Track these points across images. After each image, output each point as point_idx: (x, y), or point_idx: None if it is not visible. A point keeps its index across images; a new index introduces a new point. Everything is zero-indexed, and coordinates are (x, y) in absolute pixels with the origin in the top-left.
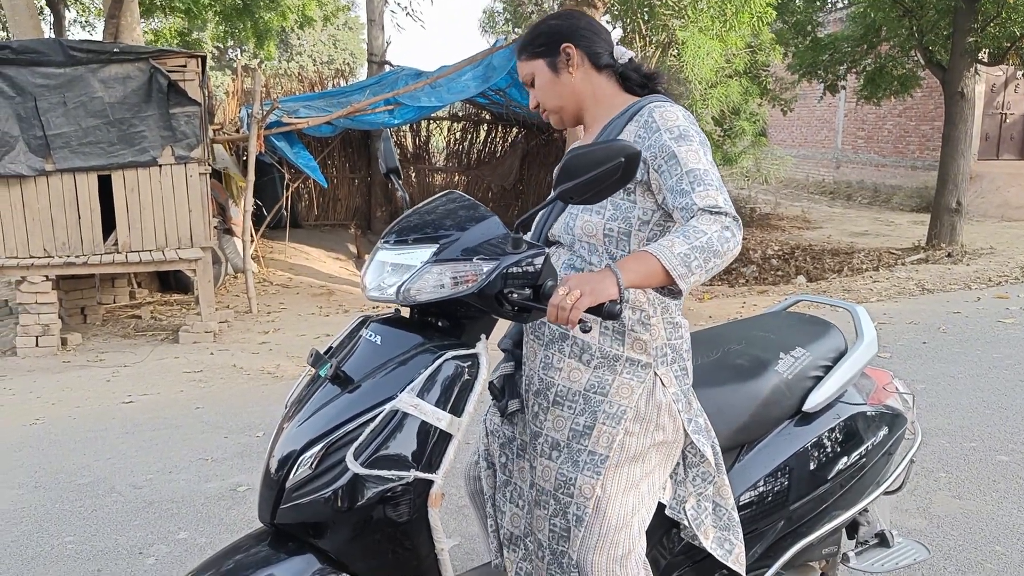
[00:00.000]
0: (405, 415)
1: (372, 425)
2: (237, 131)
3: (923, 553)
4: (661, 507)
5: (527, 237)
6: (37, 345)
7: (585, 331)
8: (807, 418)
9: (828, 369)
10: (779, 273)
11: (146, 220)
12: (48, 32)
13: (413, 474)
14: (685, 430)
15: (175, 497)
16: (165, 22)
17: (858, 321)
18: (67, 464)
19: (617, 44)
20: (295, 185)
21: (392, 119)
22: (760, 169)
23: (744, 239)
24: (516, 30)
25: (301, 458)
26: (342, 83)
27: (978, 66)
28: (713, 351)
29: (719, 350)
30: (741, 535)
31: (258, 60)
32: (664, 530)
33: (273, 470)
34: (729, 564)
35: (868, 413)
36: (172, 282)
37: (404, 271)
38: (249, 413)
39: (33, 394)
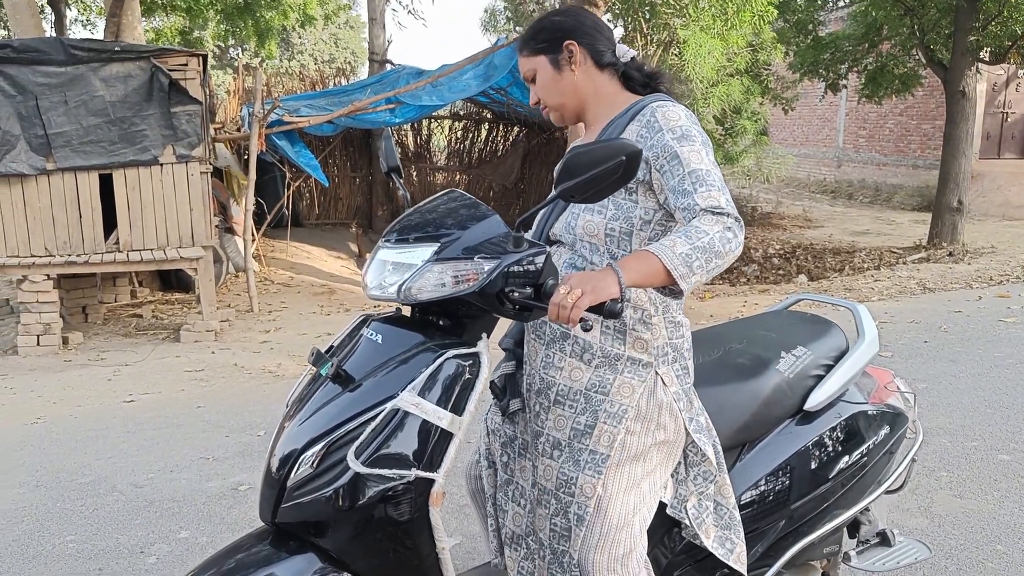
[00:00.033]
0: (406, 414)
1: (373, 424)
2: (238, 130)
3: (924, 552)
4: (662, 506)
5: (528, 236)
6: (38, 344)
7: (586, 330)
8: (808, 417)
9: (829, 368)
10: (780, 272)
11: (147, 219)
12: (49, 31)
13: (414, 473)
14: (686, 429)
15: (176, 496)
16: (166, 21)
17: (859, 320)
18: (68, 463)
19: (619, 42)
20: (296, 184)
21: (393, 118)
22: (761, 168)
23: (745, 238)
24: (517, 29)
25: (302, 457)
26: (343, 82)
27: (979, 65)
28: (714, 350)
29: (720, 349)
30: (742, 534)
31: (259, 59)
32: (665, 529)
33: (274, 469)
34: (730, 563)
35: (869, 412)
36: (173, 281)
37: (405, 270)
38: (250, 412)
39: (34, 393)
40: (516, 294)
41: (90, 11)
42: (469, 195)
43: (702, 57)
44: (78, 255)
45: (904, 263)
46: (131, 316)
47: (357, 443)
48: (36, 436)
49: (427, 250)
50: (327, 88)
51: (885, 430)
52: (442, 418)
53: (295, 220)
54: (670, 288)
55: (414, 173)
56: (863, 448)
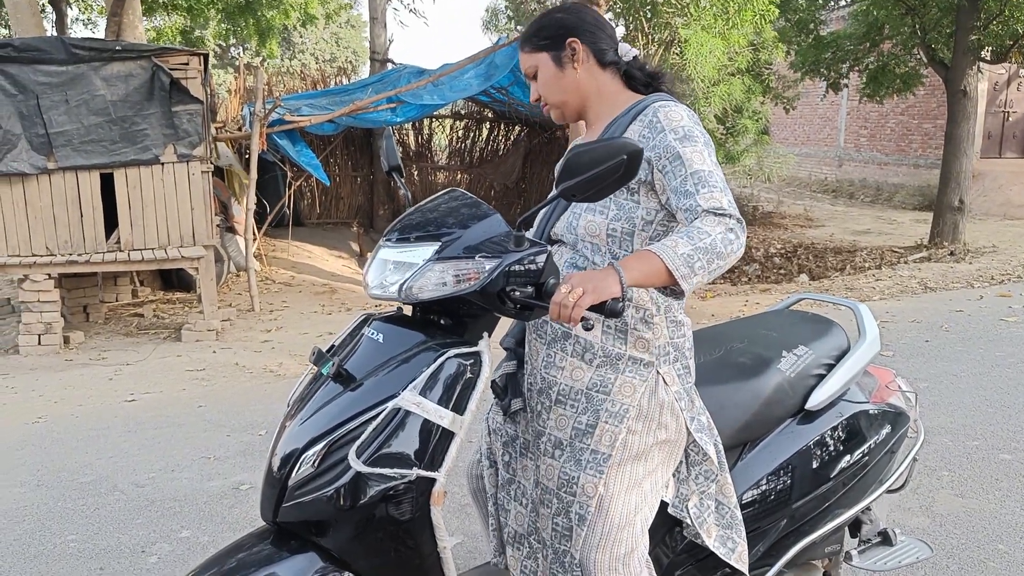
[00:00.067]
0: (407, 413)
1: (374, 423)
2: (239, 129)
3: (926, 551)
4: (664, 505)
5: (529, 235)
6: (39, 343)
7: (587, 329)
8: (810, 416)
9: (831, 367)
10: (782, 271)
11: (148, 218)
12: (50, 30)
13: (415, 472)
14: (688, 428)
15: (177, 495)
16: (167, 20)
17: (861, 319)
18: (69, 462)
19: (621, 41)
20: (297, 183)
21: (394, 117)
22: (763, 167)
23: (747, 237)
24: (518, 27)
25: (303, 456)
26: (344, 81)
27: (981, 64)
28: (716, 349)
29: (721, 348)
30: (744, 533)
31: (260, 58)
32: (667, 528)
33: (275, 468)
34: (732, 562)
35: (871, 411)
36: (174, 280)
37: (406, 269)
38: (251, 411)
39: (35, 392)
40: (517, 293)
41: (91, 10)
42: (470, 194)
43: (703, 56)
44: (79, 254)
45: (905, 262)
46: (132, 315)
47: (358, 442)
48: (37, 435)
49: (428, 249)
50: (328, 87)
51: (886, 429)
52: (443, 417)
53: (296, 219)
54: (671, 288)
55: (415, 172)
56: (864, 447)
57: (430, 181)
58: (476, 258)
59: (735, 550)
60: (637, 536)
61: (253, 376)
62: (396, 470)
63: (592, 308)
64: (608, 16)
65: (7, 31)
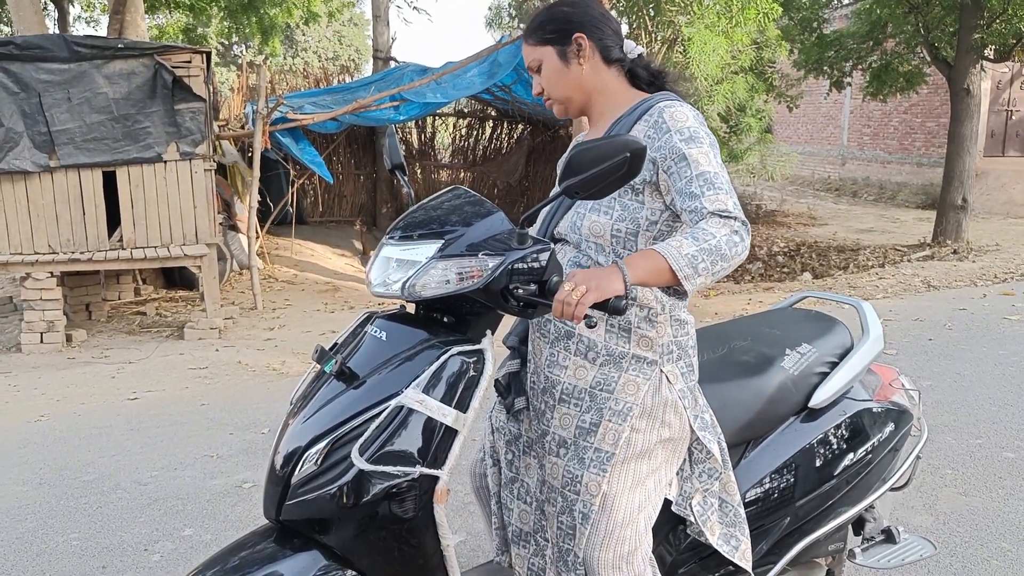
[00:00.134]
0: (410, 411)
1: (377, 421)
2: (242, 127)
3: (929, 549)
4: (667, 504)
5: (532, 233)
6: (42, 342)
7: (590, 326)
8: (813, 414)
9: (834, 365)
10: (785, 270)
11: (151, 216)
12: (52, 28)
13: (419, 470)
14: (691, 426)
15: (180, 494)
16: (170, 18)
17: (864, 317)
18: (72, 461)
19: (626, 38)
20: (300, 181)
21: (397, 115)
22: (766, 166)
23: (750, 238)
24: (521, 26)
25: (306, 454)
26: (347, 79)
27: (984, 63)
28: (719, 347)
29: (725, 346)
30: (747, 531)
31: (263, 56)
32: (670, 527)
33: (278, 466)
34: (735, 560)
35: (874, 409)
36: (177, 278)
37: (409, 267)
38: (254, 410)
39: (38, 391)
40: (520, 291)
41: (93, 8)
42: (473, 192)
43: (707, 54)
44: (81, 252)
45: (908, 261)
46: (135, 314)
47: (361, 440)
48: (39, 434)
49: (431, 247)
50: (331, 85)
51: (890, 427)
52: (446, 415)
53: (299, 217)
54: (674, 288)
55: (418, 170)
56: (868, 445)
57: (433, 179)
58: (479, 256)
59: (738, 548)
60: (640, 534)
61: (256, 374)
62: (399, 468)
63: (595, 306)
64: (612, 13)
65: (9, 29)
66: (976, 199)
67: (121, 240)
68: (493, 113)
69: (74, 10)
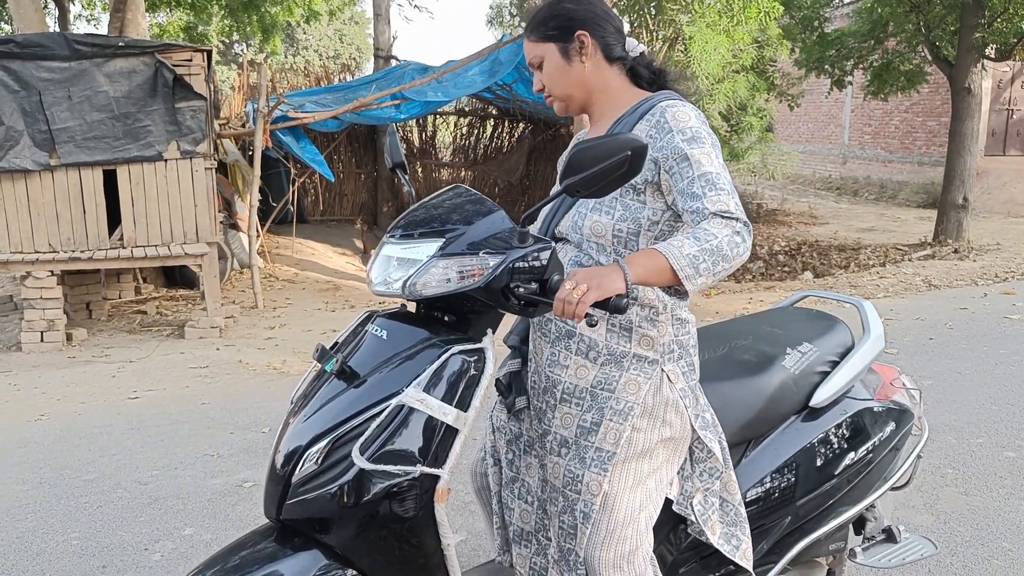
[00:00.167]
0: (411, 410)
1: (378, 420)
2: (243, 126)
3: (930, 549)
4: (668, 503)
5: (533, 231)
6: (42, 340)
7: (591, 325)
8: (814, 413)
9: (835, 364)
10: (786, 269)
11: (151, 215)
12: (53, 26)
13: (419, 469)
14: (692, 426)
15: (180, 493)
16: (170, 16)
17: (865, 316)
18: (72, 460)
19: (628, 36)
20: (301, 180)
21: (398, 114)
22: (767, 165)
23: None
24: (522, 24)
25: (307, 453)
26: (348, 78)
27: (985, 62)
28: (720, 346)
29: (726, 345)
30: (748, 530)
31: (264, 55)
32: (671, 526)
33: (279, 465)
34: (736, 560)
35: (875, 409)
36: (177, 277)
37: (410, 265)
38: (255, 409)
39: (38, 390)
40: (521, 289)
41: (94, 6)
42: (474, 190)
43: (708, 53)
44: (82, 251)
45: (909, 260)
46: (135, 313)
47: (362, 439)
48: (40, 433)
49: (432, 245)
50: (332, 84)
51: (891, 426)
52: (447, 414)
53: (300, 216)
54: (675, 288)
55: (419, 169)
56: (869, 444)
57: (434, 178)
58: (480, 254)
59: (739, 547)
60: (641, 533)
61: (256, 373)
62: (400, 467)
63: (596, 305)
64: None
65: (10, 27)
66: (977, 198)
67: (122, 239)
68: (494, 112)
69: (75, 8)
